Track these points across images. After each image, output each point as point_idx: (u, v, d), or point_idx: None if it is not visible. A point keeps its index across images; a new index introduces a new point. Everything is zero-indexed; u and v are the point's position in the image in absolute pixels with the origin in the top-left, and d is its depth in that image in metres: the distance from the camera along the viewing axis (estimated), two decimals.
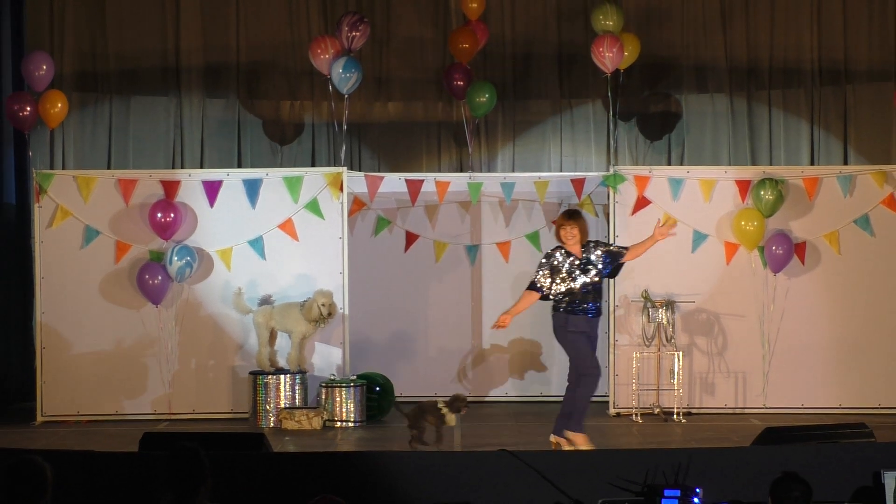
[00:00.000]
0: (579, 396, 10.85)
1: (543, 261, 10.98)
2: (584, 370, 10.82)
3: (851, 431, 9.68)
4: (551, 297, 10.92)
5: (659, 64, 14.95)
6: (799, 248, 13.17)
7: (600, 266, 10.93)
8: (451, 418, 11.19)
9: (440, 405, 11.13)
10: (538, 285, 10.93)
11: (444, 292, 14.24)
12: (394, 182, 13.71)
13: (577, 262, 10.87)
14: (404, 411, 11.33)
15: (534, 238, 13.93)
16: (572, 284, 10.83)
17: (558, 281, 10.86)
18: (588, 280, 10.86)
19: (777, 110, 14.93)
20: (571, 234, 10.87)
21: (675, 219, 11.87)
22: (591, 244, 10.99)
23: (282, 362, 12.94)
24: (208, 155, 14.94)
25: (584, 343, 10.84)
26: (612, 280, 13.05)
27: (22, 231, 14.37)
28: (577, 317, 10.82)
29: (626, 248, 11.13)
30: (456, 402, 11.18)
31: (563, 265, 10.87)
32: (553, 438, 10.90)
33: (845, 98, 14.84)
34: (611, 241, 12.57)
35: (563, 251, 10.92)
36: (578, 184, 13.59)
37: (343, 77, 13.39)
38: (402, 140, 15.16)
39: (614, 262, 11.01)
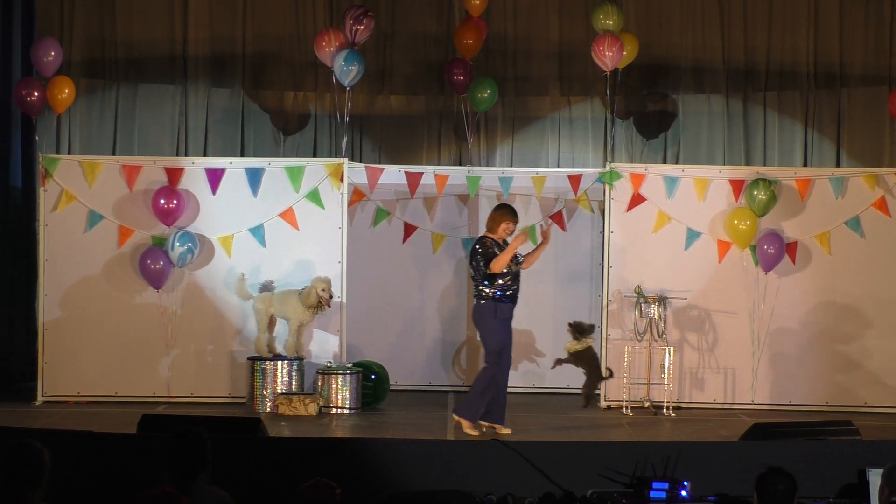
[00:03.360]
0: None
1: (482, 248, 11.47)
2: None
3: (838, 429, 9.73)
4: (485, 284, 11.39)
5: (657, 64, 14.99)
6: (790, 248, 13.26)
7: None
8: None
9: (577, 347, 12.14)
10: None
11: (440, 283, 14.32)
12: (394, 174, 13.71)
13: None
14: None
15: (530, 232, 14.02)
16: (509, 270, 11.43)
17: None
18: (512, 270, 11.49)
19: (772, 112, 14.97)
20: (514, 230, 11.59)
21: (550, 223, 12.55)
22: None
23: (280, 349, 13.04)
24: (212, 143, 14.97)
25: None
26: (606, 274, 13.26)
27: (27, 214, 14.44)
28: (506, 304, 11.44)
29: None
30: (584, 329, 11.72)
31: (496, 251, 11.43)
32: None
33: (839, 101, 14.87)
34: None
35: (493, 240, 11.50)
36: (575, 180, 13.63)
37: (344, 69, 13.38)
38: (402, 133, 15.18)
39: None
